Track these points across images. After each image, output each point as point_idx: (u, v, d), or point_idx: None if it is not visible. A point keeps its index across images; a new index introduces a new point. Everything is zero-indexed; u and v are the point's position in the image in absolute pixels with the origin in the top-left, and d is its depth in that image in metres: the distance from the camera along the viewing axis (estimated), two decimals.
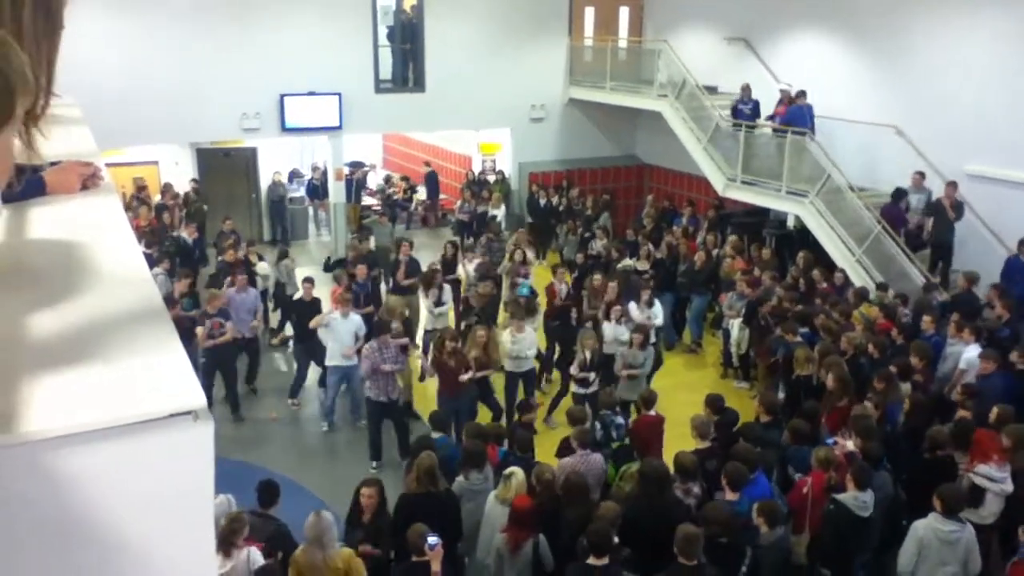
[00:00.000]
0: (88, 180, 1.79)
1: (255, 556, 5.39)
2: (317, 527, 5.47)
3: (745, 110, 14.07)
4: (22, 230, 1.59)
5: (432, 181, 19.40)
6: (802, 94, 13.26)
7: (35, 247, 1.46)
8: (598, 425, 7.88)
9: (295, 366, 11.02)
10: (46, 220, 1.65)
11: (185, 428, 0.87)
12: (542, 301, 11.12)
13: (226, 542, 5.34)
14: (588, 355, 9.31)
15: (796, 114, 13.05)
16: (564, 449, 7.34)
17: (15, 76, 0.94)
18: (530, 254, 12.29)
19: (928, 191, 12.33)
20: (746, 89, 14.24)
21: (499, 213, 16.08)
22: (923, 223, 12.09)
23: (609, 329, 9.96)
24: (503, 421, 9.14)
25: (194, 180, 16.49)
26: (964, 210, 11.79)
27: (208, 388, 9.95)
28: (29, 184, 1.71)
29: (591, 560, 5.36)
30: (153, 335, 1.05)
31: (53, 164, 1.75)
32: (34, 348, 1.00)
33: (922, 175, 12.38)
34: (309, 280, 10.72)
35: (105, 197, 1.76)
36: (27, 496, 0.81)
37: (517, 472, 6.17)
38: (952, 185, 11.83)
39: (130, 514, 0.86)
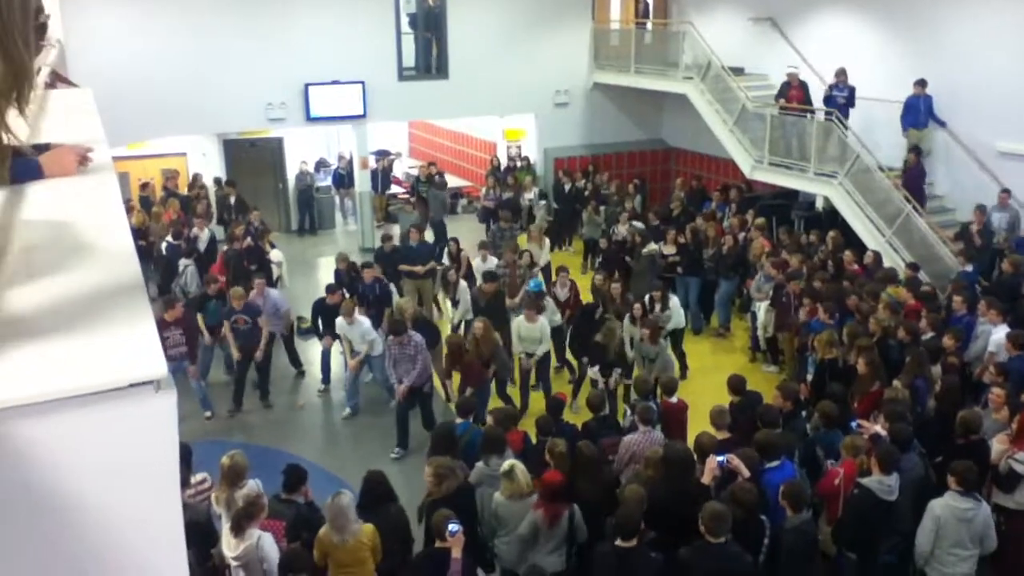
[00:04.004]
0: (81, 161, 1.81)
1: (266, 541, 5.44)
2: (333, 509, 5.60)
3: (839, 97, 12.83)
4: (18, 210, 1.61)
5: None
6: (922, 83, 12.31)
7: (28, 226, 1.48)
8: (628, 411, 7.81)
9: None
10: (43, 200, 1.67)
11: (147, 397, 0.88)
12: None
13: (239, 525, 5.41)
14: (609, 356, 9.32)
15: (912, 105, 12.42)
16: (586, 432, 7.31)
17: None
18: (538, 254, 12.20)
19: (1016, 211, 11.39)
20: (841, 74, 12.96)
21: (532, 196, 16.35)
22: (1002, 247, 10.93)
23: (627, 325, 9.96)
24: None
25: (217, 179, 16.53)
26: None
27: (241, 378, 10.26)
28: (26, 168, 1.73)
29: (619, 542, 5.37)
30: (125, 309, 1.07)
31: (38, 147, 1.77)
32: (6, 321, 1.01)
33: (1008, 192, 11.41)
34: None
35: (101, 177, 1.78)
36: None
37: (516, 464, 6.15)
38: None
39: (93, 482, 0.87)
